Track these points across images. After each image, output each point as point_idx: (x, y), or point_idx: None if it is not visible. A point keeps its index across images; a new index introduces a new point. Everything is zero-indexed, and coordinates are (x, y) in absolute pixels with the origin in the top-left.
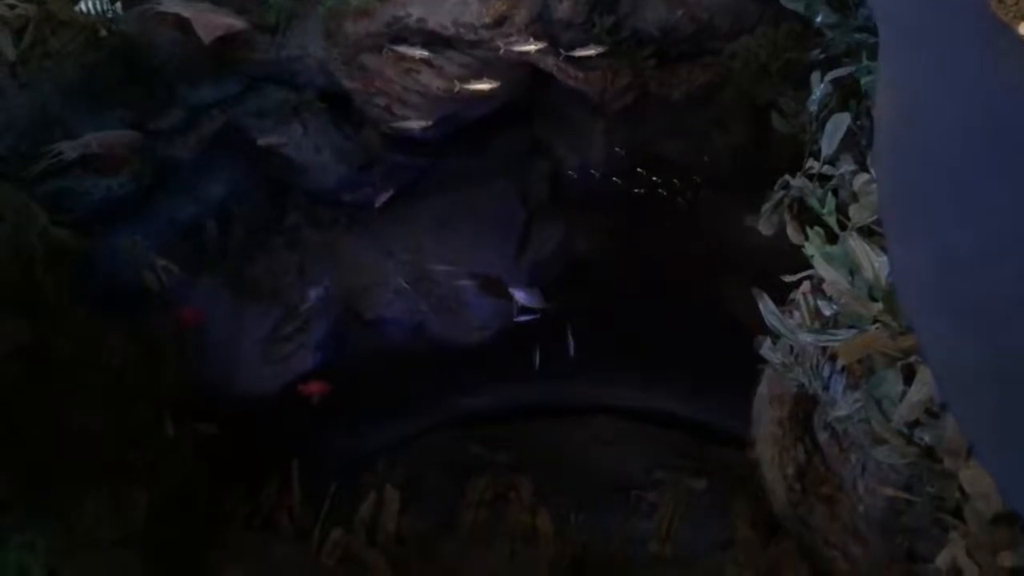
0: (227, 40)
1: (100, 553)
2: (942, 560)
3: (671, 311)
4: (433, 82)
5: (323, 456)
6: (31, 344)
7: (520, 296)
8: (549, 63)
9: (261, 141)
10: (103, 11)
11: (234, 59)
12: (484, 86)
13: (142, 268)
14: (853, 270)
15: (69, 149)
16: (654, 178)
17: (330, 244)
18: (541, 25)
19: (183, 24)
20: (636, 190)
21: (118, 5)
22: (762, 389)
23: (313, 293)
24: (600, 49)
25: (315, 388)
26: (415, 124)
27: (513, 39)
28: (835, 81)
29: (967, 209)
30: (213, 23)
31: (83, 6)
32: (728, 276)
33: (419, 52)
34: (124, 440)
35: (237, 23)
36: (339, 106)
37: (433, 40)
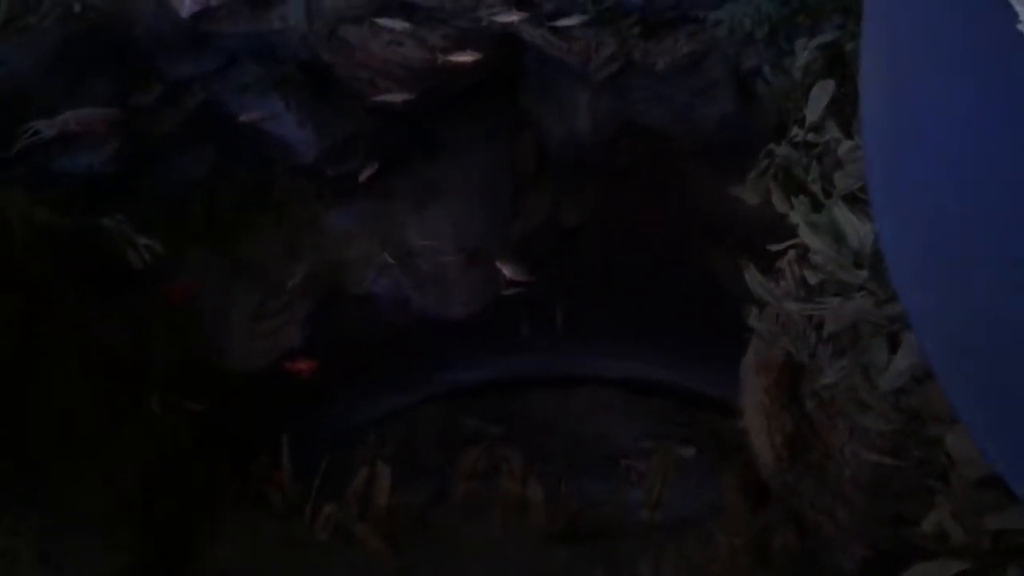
0: (205, 13)
1: (91, 531)
2: (929, 524)
3: (660, 281)
4: (415, 54)
5: (314, 432)
6: (18, 323)
7: (508, 269)
8: (533, 33)
9: (243, 117)
10: None
11: (213, 33)
12: (467, 58)
13: (125, 247)
14: (838, 238)
15: (46, 127)
16: (641, 147)
17: (315, 219)
18: None
19: None
20: (623, 160)
21: None
22: (749, 358)
23: (299, 269)
24: (584, 18)
25: (303, 364)
26: (398, 97)
27: (495, 9)
28: (820, 47)
29: (963, 175)
30: None
31: None
32: (716, 245)
33: (401, 24)
34: (113, 418)
35: None
36: (321, 80)
37: (415, 11)
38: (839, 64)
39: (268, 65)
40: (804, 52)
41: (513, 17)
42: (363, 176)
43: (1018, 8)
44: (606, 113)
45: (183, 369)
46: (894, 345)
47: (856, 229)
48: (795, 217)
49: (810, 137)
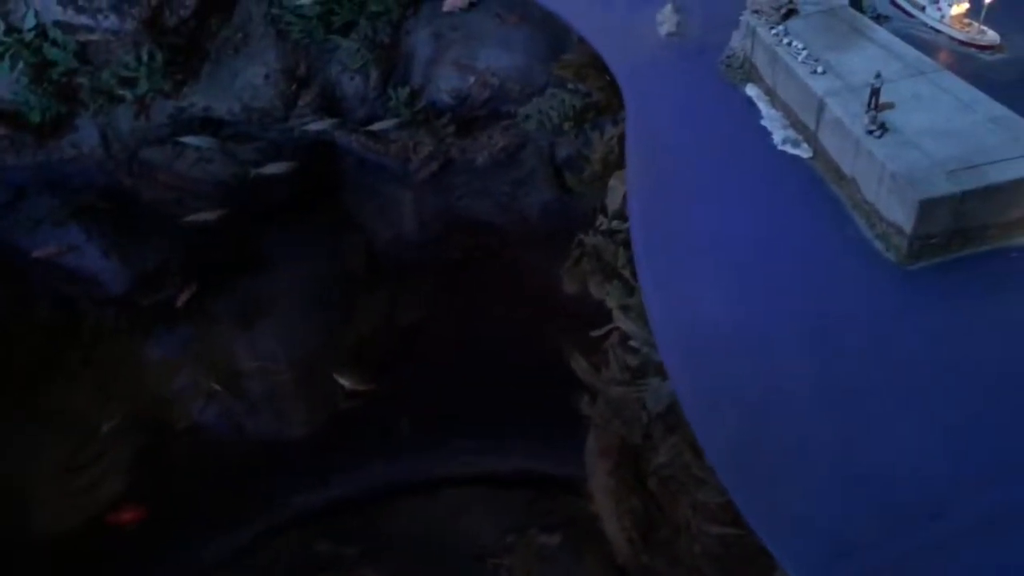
0: None
1: None
2: None
3: (500, 372)
4: (226, 170)
5: None
6: None
7: (346, 380)
8: (348, 138)
9: (37, 253)
10: None
11: None
12: (280, 169)
13: None
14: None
15: None
16: (468, 241)
17: (131, 353)
18: (334, 102)
19: None
20: (452, 254)
21: None
22: (591, 443)
23: (116, 410)
24: (398, 121)
25: (128, 513)
26: (211, 215)
27: (307, 118)
28: (614, 138)
29: (719, 273)
30: None
31: None
32: (548, 331)
33: (208, 141)
34: None
35: None
36: (125, 206)
37: (222, 127)
38: None
39: (63, 195)
40: (600, 144)
41: (325, 124)
42: (181, 301)
43: (762, 106)
44: (432, 211)
45: None
46: None
47: None
48: (610, 302)
49: (614, 224)
